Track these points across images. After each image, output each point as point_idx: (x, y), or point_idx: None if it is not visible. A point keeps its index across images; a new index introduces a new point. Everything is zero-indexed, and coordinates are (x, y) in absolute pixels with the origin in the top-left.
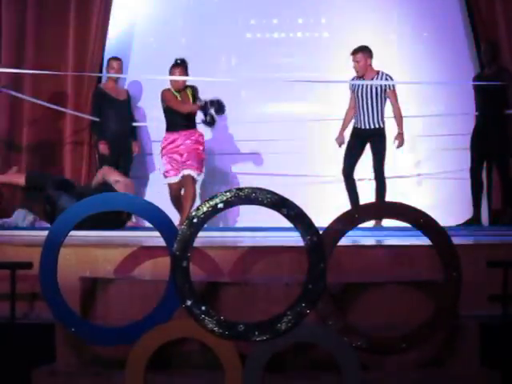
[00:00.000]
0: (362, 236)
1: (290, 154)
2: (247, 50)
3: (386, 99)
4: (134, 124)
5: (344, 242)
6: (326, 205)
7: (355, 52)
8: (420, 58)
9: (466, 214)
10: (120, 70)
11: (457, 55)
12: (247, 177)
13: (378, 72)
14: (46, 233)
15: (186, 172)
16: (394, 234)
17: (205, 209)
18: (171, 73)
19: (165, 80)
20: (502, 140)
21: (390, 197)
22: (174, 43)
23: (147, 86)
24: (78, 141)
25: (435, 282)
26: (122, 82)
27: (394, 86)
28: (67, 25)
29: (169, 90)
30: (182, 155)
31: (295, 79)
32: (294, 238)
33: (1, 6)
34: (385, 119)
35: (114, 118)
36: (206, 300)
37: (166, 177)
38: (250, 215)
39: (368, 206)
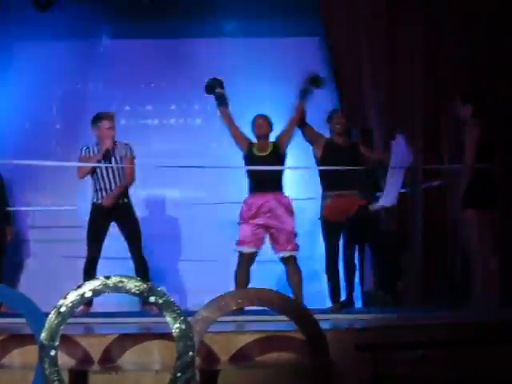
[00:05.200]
0: (233, 321)
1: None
2: (122, 135)
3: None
4: (8, 209)
5: (213, 328)
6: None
7: (97, 120)
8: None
9: None
10: None
11: None
12: None
13: (115, 142)
14: None
15: (287, 254)
16: (263, 318)
17: (73, 297)
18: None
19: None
20: (372, 222)
21: None
22: (48, 129)
23: (22, 170)
24: None
25: (305, 365)
26: None
27: (131, 153)
28: None
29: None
30: (269, 228)
31: (169, 164)
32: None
33: None
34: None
35: None
36: None
37: (240, 244)
38: None
39: (235, 293)
